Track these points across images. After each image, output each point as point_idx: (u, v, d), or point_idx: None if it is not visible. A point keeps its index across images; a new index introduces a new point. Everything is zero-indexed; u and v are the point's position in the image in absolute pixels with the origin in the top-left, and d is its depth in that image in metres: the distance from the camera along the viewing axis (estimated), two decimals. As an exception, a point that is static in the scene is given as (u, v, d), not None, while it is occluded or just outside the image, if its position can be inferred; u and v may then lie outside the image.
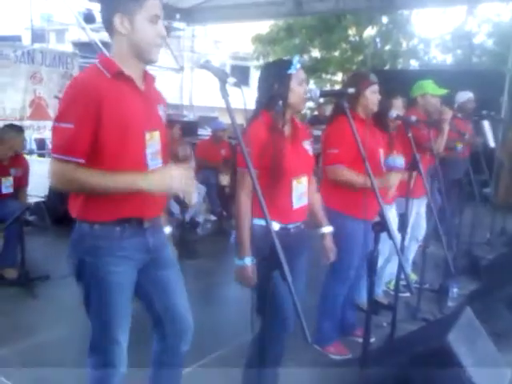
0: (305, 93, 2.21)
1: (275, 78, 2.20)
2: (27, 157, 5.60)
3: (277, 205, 2.12)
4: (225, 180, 6.43)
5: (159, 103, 1.85)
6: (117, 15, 1.67)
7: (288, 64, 2.19)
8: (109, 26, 1.71)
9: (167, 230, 2.03)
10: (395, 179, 2.78)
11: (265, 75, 2.29)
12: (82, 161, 1.62)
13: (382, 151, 2.94)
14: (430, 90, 3.93)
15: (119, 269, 1.73)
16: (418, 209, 3.90)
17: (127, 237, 1.73)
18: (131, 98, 1.69)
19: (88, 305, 1.79)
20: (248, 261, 2.04)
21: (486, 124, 5.22)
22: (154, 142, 1.75)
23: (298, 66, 2.19)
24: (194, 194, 1.67)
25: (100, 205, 1.68)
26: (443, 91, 3.98)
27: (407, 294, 3.67)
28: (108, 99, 1.61)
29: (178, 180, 1.62)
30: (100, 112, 1.60)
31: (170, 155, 1.72)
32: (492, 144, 5.31)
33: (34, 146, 9.38)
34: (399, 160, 2.71)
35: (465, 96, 5.23)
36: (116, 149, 1.65)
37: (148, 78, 1.82)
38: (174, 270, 1.93)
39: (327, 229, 2.44)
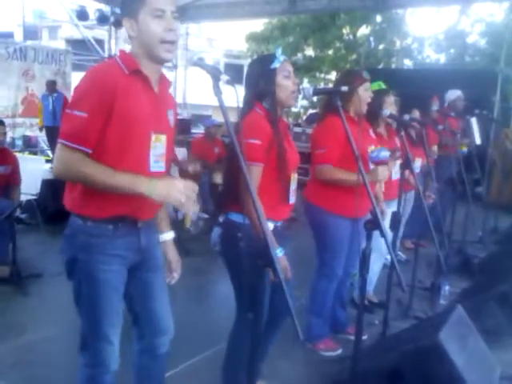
0: (293, 85, 2.16)
1: (260, 74, 2.16)
2: (19, 154, 5.53)
3: (275, 200, 2.12)
4: (218, 178, 6.42)
5: (170, 108, 1.84)
6: (125, 20, 1.68)
7: (271, 58, 2.14)
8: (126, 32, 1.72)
9: (170, 235, 2.00)
10: (383, 172, 2.73)
11: (250, 73, 2.24)
12: (89, 151, 1.60)
13: (373, 148, 2.93)
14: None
15: (111, 267, 1.72)
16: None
17: (120, 235, 1.72)
18: (144, 97, 1.69)
19: (79, 302, 1.78)
20: (280, 251, 2.03)
21: (474, 121, 5.26)
22: (159, 144, 1.74)
23: (282, 58, 2.14)
24: (193, 209, 1.64)
25: (96, 200, 1.66)
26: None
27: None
28: (121, 94, 1.61)
29: (179, 193, 1.58)
30: (112, 105, 1.60)
31: (180, 172, 1.71)
32: (478, 141, 5.34)
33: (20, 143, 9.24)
34: (383, 152, 2.69)
35: (454, 94, 5.27)
36: (120, 144, 1.64)
37: (163, 81, 1.81)
38: (159, 273, 1.92)
39: None
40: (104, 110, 1.59)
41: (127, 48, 1.79)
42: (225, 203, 2.20)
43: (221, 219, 2.21)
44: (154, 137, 1.71)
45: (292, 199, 2.26)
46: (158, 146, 1.74)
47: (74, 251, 1.72)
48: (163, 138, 1.76)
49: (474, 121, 5.29)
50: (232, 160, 2.10)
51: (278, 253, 2.04)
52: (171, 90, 1.96)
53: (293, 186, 2.25)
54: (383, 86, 3.67)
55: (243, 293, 2.09)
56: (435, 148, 4.81)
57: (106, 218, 1.69)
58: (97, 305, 1.74)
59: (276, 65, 2.13)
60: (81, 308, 1.78)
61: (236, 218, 2.14)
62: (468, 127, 5.20)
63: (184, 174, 1.68)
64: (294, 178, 2.26)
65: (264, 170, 2.09)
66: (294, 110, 16.42)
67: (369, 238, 2.01)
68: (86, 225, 1.69)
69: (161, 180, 1.63)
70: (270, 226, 2.13)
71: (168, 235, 1.99)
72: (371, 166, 2.88)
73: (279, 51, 2.17)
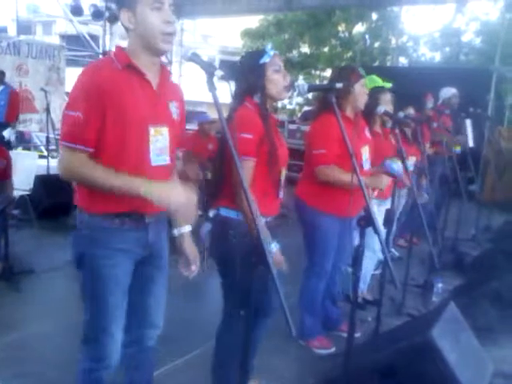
0: (284, 79, 2.15)
1: (250, 69, 2.15)
2: (12, 150, 5.49)
3: (265, 195, 2.11)
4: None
5: (172, 99, 1.81)
6: (122, 11, 1.67)
7: (261, 54, 2.14)
8: (122, 24, 1.70)
9: (187, 228, 1.96)
10: (386, 182, 2.77)
11: (240, 68, 2.22)
12: (90, 149, 1.63)
13: (367, 149, 2.93)
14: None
15: (115, 261, 1.72)
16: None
17: (126, 230, 1.73)
18: (138, 91, 1.68)
19: (83, 295, 1.79)
20: (275, 245, 2.03)
21: (468, 123, 5.27)
22: (160, 137, 1.73)
23: (272, 53, 2.13)
24: (192, 215, 1.63)
25: (103, 197, 1.67)
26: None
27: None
28: (114, 90, 1.61)
29: (178, 198, 1.59)
30: (106, 102, 1.60)
31: (180, 175, 1.66)
32: (471, 144, 5.35)
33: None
34: (398, 166, 2.72)
35: (449, 92, 5.27)
36: (118, 140, 1.64)
37: (164, 72, 1.79)
38: (163, 273, 1.92)
39: None
40: (98, 107, 1.60)
41: (122, 44, 1.78)
42: (215, 198, 2.17)
43: (211, 214, 2.17)
44: (152, 130, 1.70)
45: (281, 194, 2.25)
46: (160, 140, 1.73)
47: (80, 246, 1.75)
48: (164, 130, 1.75)
49: (468, 123, 5.30)
50: (223, 154, 2.08)
51: (273, 247, 2.03)
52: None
53: (282, 181, 2.24)
54: (376, 79, 3.66)
55: (234, 290, 2.07)
56: (427, 146, 4.82)
57: (112, 213, 1.70)
58: (99, 298, 1.75)
59: (266, 60, 2.12)
60: (85, 301, 1.80)
61: (227, 213, 2.12)
62: (462, 127, 5.21)
63: (183, 178, 1.66)
64: (284, 173, 2.25)
65: (260, 163, 2.08)
66: (289, 107, 16.41)
67: (362, 235, 2.01)
68: (93, 219, 1.71)
69: (160, 183, 1.63)
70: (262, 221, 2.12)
71: (185, 228, 1.95)
72: (365, 167, 2.87)
73: (269, 46, 2.17)
